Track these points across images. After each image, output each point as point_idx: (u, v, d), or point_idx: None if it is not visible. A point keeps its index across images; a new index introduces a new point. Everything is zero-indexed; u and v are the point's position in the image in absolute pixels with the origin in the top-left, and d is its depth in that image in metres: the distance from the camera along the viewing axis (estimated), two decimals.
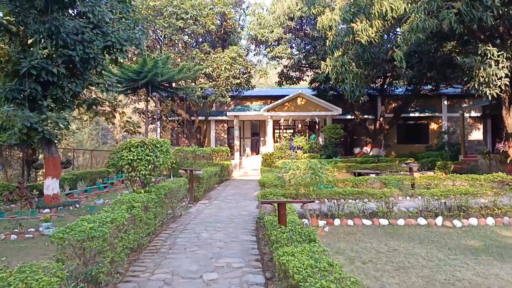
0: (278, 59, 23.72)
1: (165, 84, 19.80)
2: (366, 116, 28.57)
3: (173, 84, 21.27)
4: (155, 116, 24.41)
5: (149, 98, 21.11)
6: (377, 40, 12.29)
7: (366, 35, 11.67)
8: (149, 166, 7.64)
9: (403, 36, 11.07)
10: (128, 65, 18.96)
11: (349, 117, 28.80)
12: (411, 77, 23.66)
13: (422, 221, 9.62)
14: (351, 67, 14.43)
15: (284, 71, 28.24)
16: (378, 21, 11.35)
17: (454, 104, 29.37)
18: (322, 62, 18.83)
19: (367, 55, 14.63)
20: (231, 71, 21.31)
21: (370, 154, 26.93)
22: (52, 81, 12.38)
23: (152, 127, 25.96)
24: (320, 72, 25.46)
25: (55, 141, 13.31)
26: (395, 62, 13.27)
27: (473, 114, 28.89)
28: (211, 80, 22.02)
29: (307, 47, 25.12)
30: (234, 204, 12.29)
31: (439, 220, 9.62)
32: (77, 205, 12.94)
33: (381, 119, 27.72)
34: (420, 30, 10.34)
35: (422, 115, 28.78)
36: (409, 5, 10.47)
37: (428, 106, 29.10)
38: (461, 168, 20.29)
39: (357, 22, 11.89)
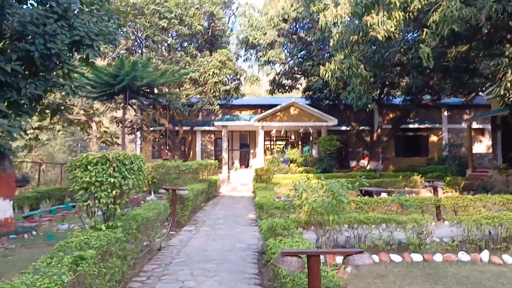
0: (271, 64, 21.79)
1: (145, 90, 17.64)
2: (362, 127, 26.80)
3: (155, 90, 19.14)
4: (134, 126, 22.14)
5: (127, 105, 18.88)
6: (397, 36, 10.47)
7: (384, 30, 9.84)
8: (114, 192, 5.47)
9: (431, 29, 9.28)
10: (103, 68, 16.76)
11: (344, 128, 26.98)
12: (411, 85, 22.03)
13: (464, 256, 7.63)
14: (359, 70, 12.57)
15: (276, 78, 26.35)
16: (399, 12, 9.56)
17: (455, 115, 27.87)
18: (320, 67, 16.95)
19: (378, 56, 12.84)
20: (220, 76, 19.27)
21: (368, 167, 25.11)
22: (5, 81, 10.13)
23: (131, 138, 23.64)
24: (315, 80, 23.72)
25: (9, 154, 10.99)
26: (421, 60, 11.32)
27: (475, 125, 27.38)
28: (197, 86, 19.92)
29: (301, 53, 23.30)
30: (226, 230, 10.12)
31: (485, 255, 7.65)
32: (34, 232, 10.58)
33: (379, 130, 25.96)
34: (455, 20, 8.56)
35: (421, 126, 27.15)
36: None
37: (428, 117, 27.51)
38: (472, 184, 18.55)
39: (372, 14, 10.05)
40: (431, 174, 20.66)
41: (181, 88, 19.45)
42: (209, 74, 19.07)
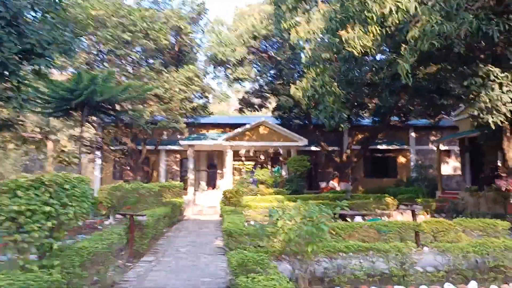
0: (240, 82, 21.15)
1: (106, 106, 16.46)
2: (332, 148, 26.47)
3: (117, 107, 17.97)
4: (94, 145, 20.74)
5: (85, 122, 17.60)
6: (374, 51, 10.05)
7: (360, 45, 9.37)
8: (50, 223, 4.43)
9: (410, 45, 8.87)
10: (60, 81, 15.53)
11: (313, 148, 26.57)
12: (382, 105, 21.95)
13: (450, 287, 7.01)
14: (332, 88, 12.07)
15: (246, 97, 25.73)
16: (376, 27, 9.13)
17: (422, 136, 28.11)
18: (291, 86, 16.45)
19: (352, 74, 12.43)
20: (187, 93, 18.38)
21: (338, 188, 24.64)
22: None
23: (91, 157, 22.16)
24: (285, 99, 23.27)
25: None
26: (393, 80, 10.97)
27: (442, 147, 27.65)
28: (162, 103, 18.91)
29: (271, 72, 22.86)
30: (190, 261, 9.08)
31: (472, 287, 7.06)
32: None
33: (348, 151, 25.73)
34: (435, 36, 8.18)
35: (390, 147, 27.15)
36: (419, 4, 8.29)
37: (396, 138, 27.60)
38: (443, 206, 18.34)
39: (348, 29, 9.58)
40: (402, 195, 20.37)
41: (145, 105, 18.37)
42: (175, 91, 18.14)
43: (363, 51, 9.65)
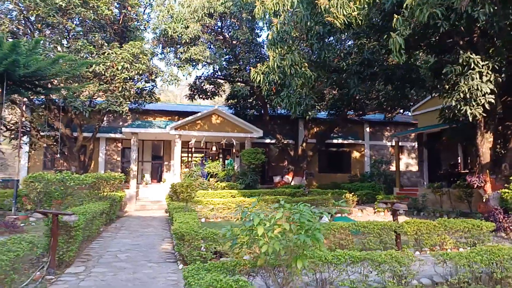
0: (193, 63, 19.08)
1: (32, 81, 13.80)
2: (287, 141, 25.23)
3: (48, 85, 15.30)
4: (20, 129, 17.76)
5: (8, 101, 14.80)
6: (360, 21, 8.64)
7: (343, 14, 7.92)
8: None
9: (403, 16, 7.58)
10: None
11: (268, 141, 25.22)
12: (338, 98, 21.01)
13: None
14: (302, 69, 10.59)
15: (197, 82, 23.69)
16: None
17: (376, 131, 27.69)
18: (251, 69, 14.82)
19: (325, 54, 11.01)
20: (131, 72, 16.06)
21: (292, 183, 23.45)
22: None
23: (15, 143, 19.09)
24: (240, 86, 21.62)
25: None
26: (363, 66, 9.72)
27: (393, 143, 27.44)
28: (102, 83, 16.44)
29: (226, 56, 21.03)
30: (130, 272, 7.16)
31: None
32: None
33: (304, 144, 24.62)
34: (436, 3, 6.92)
35: (345, 142, 26.41)
36: None
37: (351, 132, 26.95)
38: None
39: None
40: (360, 191, 19.55)
41: (81, 84, 15.80)
42: (117, 69, 15.77)
43: (346, 22, 8.23)
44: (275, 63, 10.91)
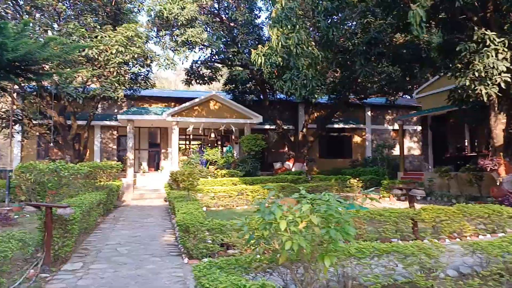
0: (190, 46, 18.31)
1: (22, 67, 13.04)
2: (287, 127, 24.64)
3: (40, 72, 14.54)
4: (10, 117, 17.07)
5: None
6: None
7: None
8: None
9: None
10: None
11: (267, 126, 24.66)
12: (340, 82, 20.40)
13: None
14: (309, 48, 9.96)
15: (194, 67, 22.93)
16: None
17: (378, 115, 27.14)
18: (252, 51, 14.18)
19: (332, 32, 10.35)
20: (126, 55, 15.32)
21: (293, 169, 22.94)
22: None
23: (10, 132, 18.39)
24: (239, 70, 20.93)
25: None
26: (370, 46, 9.13)
27: (396, 127, 26.92)
28: (96, 68, 15.69)
29: (223, 39, 20.24)
30: (134, 268, 6.63)
31: None
32: None
33: (304, 130, 24.05)
34: None
35: (346, 126, 25.86)
36: None
37: (352, 117, 26.39)
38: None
39: None
40: (364, 177, 19.07)
41: (73, 69, 15.05)
42: (111, 53, 15.02)
43: None
44: (280, 43, 10.26)
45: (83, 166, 11.02)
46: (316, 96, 11.55)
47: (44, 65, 15.57)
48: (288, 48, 10.24)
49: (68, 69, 14.75)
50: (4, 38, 11.69)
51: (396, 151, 25.45)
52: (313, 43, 10.25)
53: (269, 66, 13.25)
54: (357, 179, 16.84)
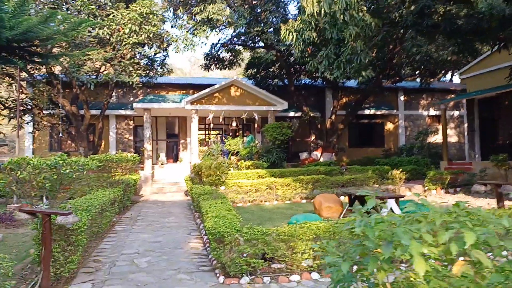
0: (211, 25, 16.63)
1: (24, 47, 11.63)
2: (313, 114, 22.88)
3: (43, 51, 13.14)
4: (17, 107, 15.79)
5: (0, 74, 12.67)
6: None
7: None
8: None
9: None
10: None
11: (292, 114, 22.94)
12: (374, 63, 18.46)
13: None
14: (360, 14, 8.24)
15: (213, 51, 21.28)
16: None
17: (411, 100, 25.10)
18: (281, 26, 12.48)
19: None
20: (140, 35, 13.78)
21: (321, 160, 21.23)
22: None
23: (17, 122, 17.16)
24: (262, 52, 19.20)
25: None
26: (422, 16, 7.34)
27: (432, 112, 24.90)
28: (107, 50, 14.20)
29: (246, 19, 18.48)
30: None
31: None
32: None
33: (333, 116, 22.24)
34: None
35: (378, 112, 23.93)
36: None
37: (384, 102, 24.43)
38: (456, 180, 15.40)
39: None
40: (404, 167, 17.23)
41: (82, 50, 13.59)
42: (124, 32, 13.49)
43: None
44: (322, 10, 8.53)
45: (93, 159, 9.57)
46: (364, 74, 9.78)
47: (52, 48, 14.21)
48: (332, 16, 8.53)
49: (77, 51, 13.27)
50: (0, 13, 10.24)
51: (432, 139, 23.45)
52: (365, 8, 8.54)
53: (301, 44, 11.54)
54: (400, 170, 15.04)
